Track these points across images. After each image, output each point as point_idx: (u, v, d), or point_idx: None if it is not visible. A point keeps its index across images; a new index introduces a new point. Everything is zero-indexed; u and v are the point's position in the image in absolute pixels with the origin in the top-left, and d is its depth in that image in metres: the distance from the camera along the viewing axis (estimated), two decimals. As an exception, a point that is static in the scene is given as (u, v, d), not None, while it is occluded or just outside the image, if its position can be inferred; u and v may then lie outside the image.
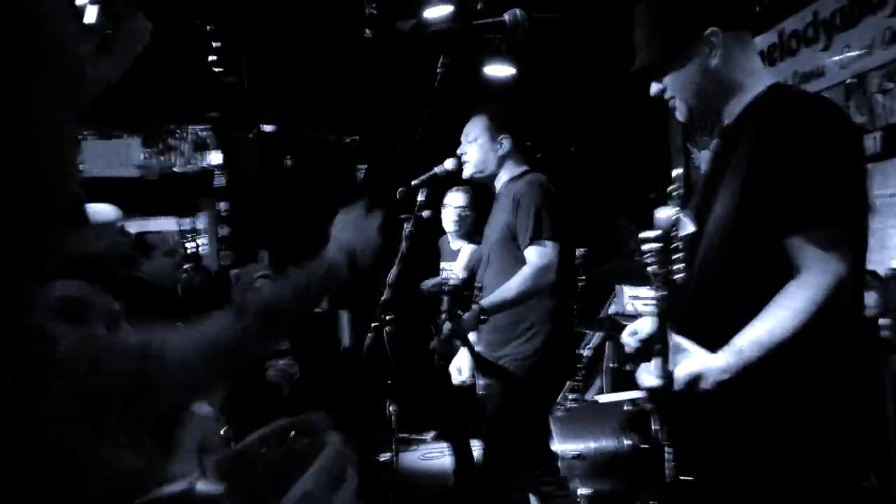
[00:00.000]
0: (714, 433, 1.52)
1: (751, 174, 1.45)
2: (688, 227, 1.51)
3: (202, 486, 0.81)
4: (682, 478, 1.45)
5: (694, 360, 1.40)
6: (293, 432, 0.75)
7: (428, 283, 3.04)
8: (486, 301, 2.86)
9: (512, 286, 2.83)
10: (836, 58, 4.07)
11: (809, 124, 1.44)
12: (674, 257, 1.43)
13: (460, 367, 3.27)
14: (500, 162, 3.06)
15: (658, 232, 1.41)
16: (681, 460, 1.49)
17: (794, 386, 1.45)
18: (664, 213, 1.43)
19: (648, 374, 1.43)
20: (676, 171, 1.41)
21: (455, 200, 4.28)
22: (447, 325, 2.77)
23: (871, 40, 3.83)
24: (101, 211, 2.86)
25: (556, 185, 3.04)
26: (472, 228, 4.39)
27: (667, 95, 1.66)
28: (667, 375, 1.40)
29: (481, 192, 4.36)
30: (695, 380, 1.38)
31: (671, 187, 1.60)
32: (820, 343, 1.41)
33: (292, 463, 0.70)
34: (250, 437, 0.75)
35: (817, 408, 1.46)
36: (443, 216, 4.33)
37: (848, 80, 3.97)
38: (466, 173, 3.08)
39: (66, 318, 1.03)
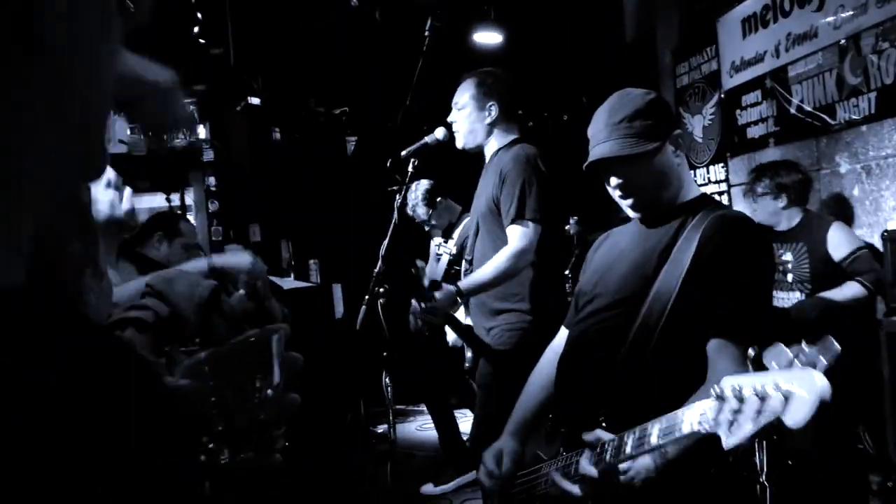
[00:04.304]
0: None
1: (694, 274, 1.68)
2: None
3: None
4: None
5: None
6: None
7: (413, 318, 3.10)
8: (464, 283, 2.83)
9: (488, 269, 2.79)
10: (830, 18, 4.02)
11: (751, 249, 1.73)
12: None
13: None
14: (489, 130, 2.96)
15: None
16: None
17: None
18: None
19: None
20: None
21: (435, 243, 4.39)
22: (422, 312, 2.78)
23: (865, -1, 3.78)
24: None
25: (548, 155, 2.94)
26: (452, 218, 4.52)
27: (622, 188, 1.82)
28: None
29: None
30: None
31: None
32: None
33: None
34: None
35: None
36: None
37: (842, 41, 3.92)
38: (458, 144, 3.00)
39: None
